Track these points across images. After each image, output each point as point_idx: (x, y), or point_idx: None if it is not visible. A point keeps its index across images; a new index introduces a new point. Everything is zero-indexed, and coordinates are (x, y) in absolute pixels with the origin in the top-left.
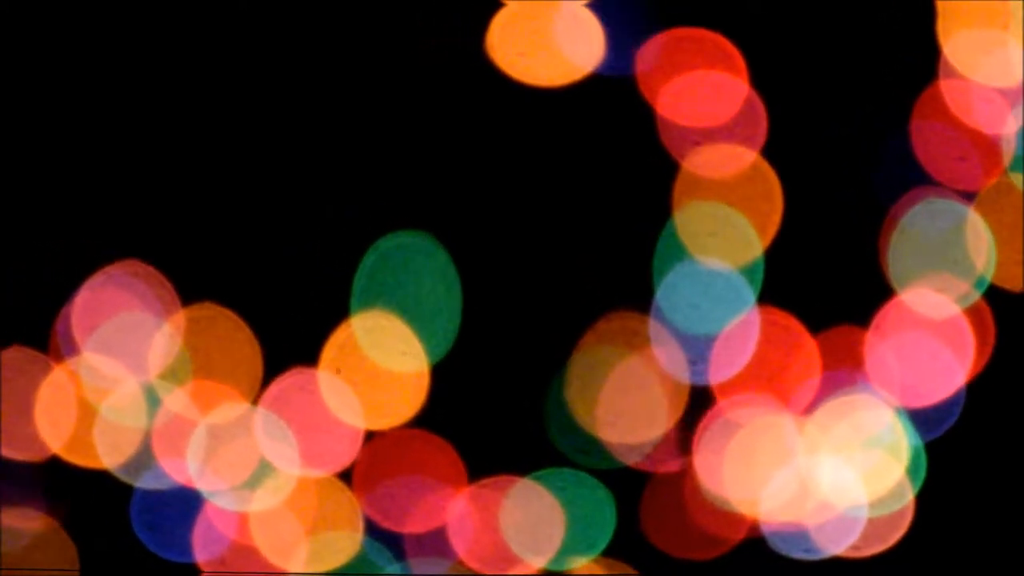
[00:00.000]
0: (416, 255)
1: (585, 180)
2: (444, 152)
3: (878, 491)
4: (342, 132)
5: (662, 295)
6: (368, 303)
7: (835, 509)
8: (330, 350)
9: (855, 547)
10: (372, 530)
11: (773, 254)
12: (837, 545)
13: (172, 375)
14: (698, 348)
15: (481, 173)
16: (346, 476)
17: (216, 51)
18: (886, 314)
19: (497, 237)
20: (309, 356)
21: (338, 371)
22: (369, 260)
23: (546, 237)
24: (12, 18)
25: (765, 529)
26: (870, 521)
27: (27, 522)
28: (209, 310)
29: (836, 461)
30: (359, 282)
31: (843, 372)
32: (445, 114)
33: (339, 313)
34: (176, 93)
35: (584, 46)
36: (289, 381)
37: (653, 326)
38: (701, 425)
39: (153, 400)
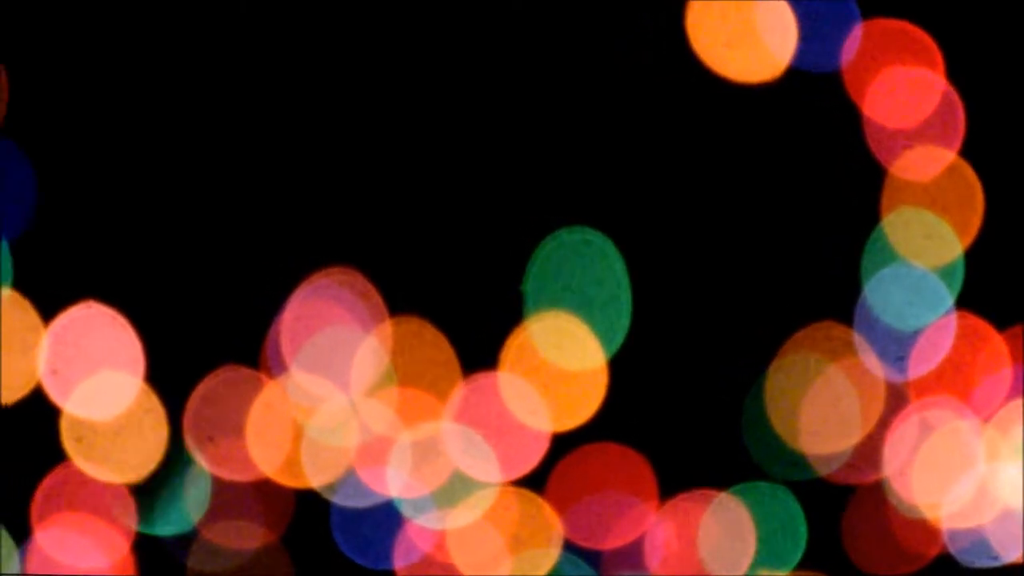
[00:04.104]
0: (590, 252)
1: (783, 180)
2: (643, 148)
3: None
4: (533, 132)
5: (870, 293)
6: (543, 303)
7: (1017, 515)
8: (508, 352)
9: None
10: (568, 546)
11: (971, 256)
12: (1018, 552)
13: (377, 391)
14: (902, 345)
15: (678, 170)
16: (541, 490)
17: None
18: None
19: (700, 242)
20: (488, 360)
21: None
22: (544, 257)
23: (746, 242)
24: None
25: (947, 535)
26: None
27: (243, 541)
28: (413, 323)
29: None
30: (533, 282)
31: None
32: (641, 108)
33: (513, 314)
34: (368, 109)
35: (783, 38)
36: (473, 386)
37: (857, 325)
38: (893, 429)
39: (357, 418)
